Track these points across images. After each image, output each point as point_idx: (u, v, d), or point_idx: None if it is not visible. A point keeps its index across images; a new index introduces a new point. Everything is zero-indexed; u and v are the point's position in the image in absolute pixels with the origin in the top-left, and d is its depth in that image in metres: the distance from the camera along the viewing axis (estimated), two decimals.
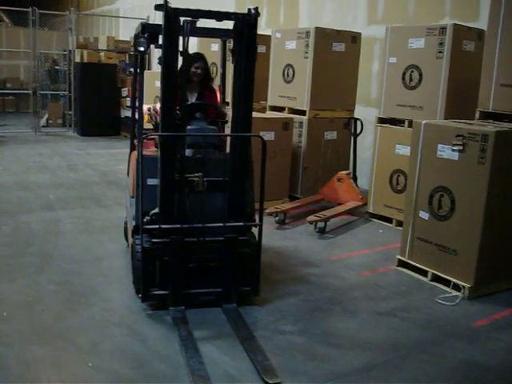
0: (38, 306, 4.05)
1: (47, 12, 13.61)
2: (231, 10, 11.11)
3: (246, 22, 3.97)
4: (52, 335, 3.64)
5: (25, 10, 12.97)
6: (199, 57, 4.85)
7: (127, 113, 12.37)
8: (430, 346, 3.80)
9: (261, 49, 8.41)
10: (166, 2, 3.79)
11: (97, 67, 12.82)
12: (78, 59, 12.92)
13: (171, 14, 3.80)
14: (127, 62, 13.67)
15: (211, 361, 3.40)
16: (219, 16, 4.06)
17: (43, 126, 13.64)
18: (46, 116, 14.01)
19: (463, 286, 4.60)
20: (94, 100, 12.66)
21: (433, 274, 4.87)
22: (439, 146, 4.76)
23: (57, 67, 14.71)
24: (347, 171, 7.20)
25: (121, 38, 15.15)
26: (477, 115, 5.46)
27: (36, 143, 11.73)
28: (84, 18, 18.71)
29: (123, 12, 16.73)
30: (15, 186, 7.70)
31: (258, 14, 3.96)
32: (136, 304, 4.08)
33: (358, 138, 7.55)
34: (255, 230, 4.23)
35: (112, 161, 10.00)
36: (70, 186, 7.95)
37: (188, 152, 4.28)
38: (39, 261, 4.94)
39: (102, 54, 13.21)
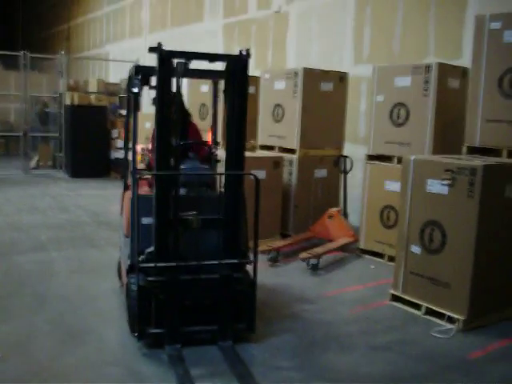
0: (33, 346, 4.03)
1: (38, 56, 13.77)
2: (219, 51, 11.34)
3: (238, 63, 4.09)
4: (48, 375, 3.62)
5: (16, 53, 13.14)
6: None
7: (117, 154, 12.45)
8: (427, 379, 3.83)
9: (250, 89, 8.55)
10: (159, 44, 3.90)
11: (87, 109, 12.93)
12: (68, 102, 13.03)
13: (165, 56, 3.90)
14: (117, 103, 13.80)
15: None
16: (212, 58, 4.17)
17: (33, 168, 13.67)
18: (36, 158, 14.05)
19: (457, 319, 4.63)
20: (85, 142, 12.72)
21: (426, 307, 4.90)
22: (429, 180, 4.85)
23: (47, 110, 14.83)
24: (337, 208, 7.27)
25: (111, 81, 15.32)
26: (464, 150, 5.59)
27: (27, 185, 11.74)
28: (74, 61, 18.93)
29: (113, 55, 16.99)
30: (7, 227, 7.69)
31: (249, 55, 4.08)
32: (131, 343, 4.07)
33: (348, 176, 7.65)
34: (249, 268, 4.26)
35: (103, 202, 10.02)
36: (62, 226, 7.95)
37: (181, 191, 4.33)
38: (33, 301, 4.93)
39: (93, 96, 13.34)
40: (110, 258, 6.03)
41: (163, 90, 3.95)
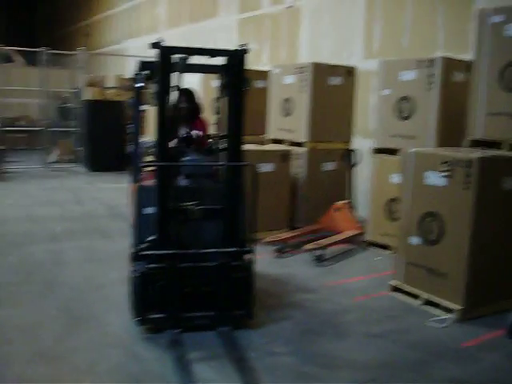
0: (40, 330, 4.22)
1: (58, 52, 14.05)
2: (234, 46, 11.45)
3: (236, 58, 4.21)
4: (51, 356, 3.81)
5: (36, 50, 13.41)
6: (182, 92, 5.07)
7: None
8: (418, 366, 3.92)
9: (262, 84, 8.69)
10: (159, 40, 4.05)
11: (104, 104, 13.13)
12: (86, 97, 13.27)
13: (164, 52, 4.05)
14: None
15: (203, 380, 3.55)
16: (211, 53, 4.30)
17: (53, 162, 13.94)
18: (56, 152, 14.32)
19: (453, 309, 4.72)
20: (102, 136, 12.92)
21: (424, 297, 4.99)
22: (427, 173, 4.93)
23: (67, 105, 15.10)
24: (345, 201, 7.36)
25: (128, 76, 15.52)
26: (466, 143, 5.65)
27: (45, 178, 12.02)
28: (93, 57, 19.20)
29: (131, 50, 17.19)
30: (23, 219, 7.92)
31: (246, 50, 4.20)
32: (134, 328, 4.22)
33: (357, 169, 7.73)
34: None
35: (118, 195, 10.17)
36: (77, 218, 8.16)
37: (184, 182, 4.50)
38: (43, 288, 5.12)
39: (110, 91, 13.54)
40: (121, 248, 6.17)
41: (162, 85, 4.10)
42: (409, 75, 6.35)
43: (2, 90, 13.17)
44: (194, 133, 5.15)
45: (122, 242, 6.52)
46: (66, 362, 3.74)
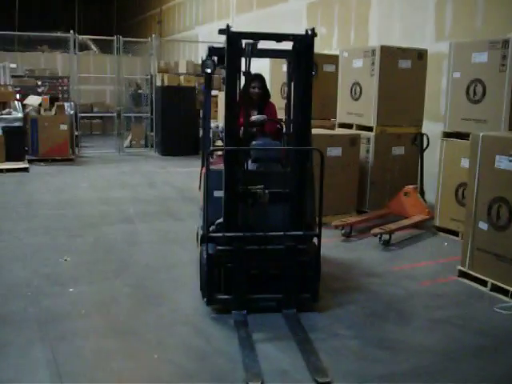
0: (114, 306, 4.45)
1: (130, 39, 14.43)
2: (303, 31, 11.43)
3: (304, 42, 4.25)
4: (124, 330, 4.03)
5: (110, 38, 13.81)
6: (255, 77, 5.15)
7: None
8: (483, 352, 3.88)
9: (332, 68, 8.67)
10: (228, 26, 4.14)
11: (176, 90, 13.41)
12: (158, 83, 13.58)
13: (233, 37, 4.14)
14: None
15: (267, 359, 3.65)
16: (278, 37, 4.36)
17: (127, 147, 14.37)
18: (129, 137, 14.74)
19: None
20: (175, 121, 13.24)
21: (492, 283, 4.91)
22: (497, 157, 4.83)
23: (140, 91, 15.50)
24: (414, 185, 7.28)
25: (200, 62, 15.74)
26: None
27: (119, 163, 12.42)
28: (165, 44, 19.57)
29: (202, 37, 17.43)
30: (98, 202, 8.26)
31: (314, 34, 4.22)
32: (202, 307, 4.37)
33: (428, 153, 7.62)
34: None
35: (189, 179, 10.40)
36: (149, 201, 8.43)
37: (253, 166, 4.58)
38: (116, 267, 5.37)
39: (182, 77, 13.80)
40: (192, 230, 6.34)
41: (231, 70, 4.19)
42: (481, 57, 6.20)
43: (78, 77, 13.63)
44: (262, 117, 5.20)
45: (192, 225, 6.70)
46: (137, 336, 3.94)
